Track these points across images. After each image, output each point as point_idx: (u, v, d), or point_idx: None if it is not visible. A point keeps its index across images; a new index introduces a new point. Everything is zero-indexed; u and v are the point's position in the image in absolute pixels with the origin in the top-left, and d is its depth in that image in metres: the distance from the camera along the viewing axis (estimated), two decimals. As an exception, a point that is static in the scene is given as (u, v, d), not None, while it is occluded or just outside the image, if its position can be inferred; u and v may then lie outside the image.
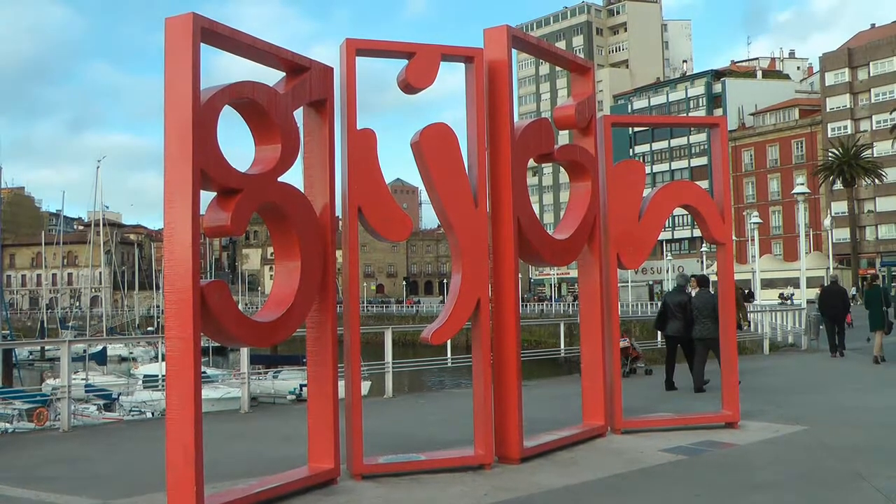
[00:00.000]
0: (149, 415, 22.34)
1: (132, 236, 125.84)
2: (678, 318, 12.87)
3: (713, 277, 13.99)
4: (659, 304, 15.26)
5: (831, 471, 6.98)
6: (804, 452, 7.78)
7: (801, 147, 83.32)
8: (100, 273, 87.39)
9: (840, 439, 8.35)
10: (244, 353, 12.22)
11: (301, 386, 23.83)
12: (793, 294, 48.92)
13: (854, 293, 46.71)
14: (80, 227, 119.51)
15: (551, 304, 72.04)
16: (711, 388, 11.87)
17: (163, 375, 12.03)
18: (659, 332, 15.04)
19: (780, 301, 43.14)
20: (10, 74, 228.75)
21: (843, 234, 70.73)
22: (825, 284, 22.45)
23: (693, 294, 13.24)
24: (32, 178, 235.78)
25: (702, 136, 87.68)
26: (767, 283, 49.00)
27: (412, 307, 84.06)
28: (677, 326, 12.93)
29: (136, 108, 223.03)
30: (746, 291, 29.91)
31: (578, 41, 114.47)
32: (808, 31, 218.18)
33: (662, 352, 14.94)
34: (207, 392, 19.11)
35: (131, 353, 44.97)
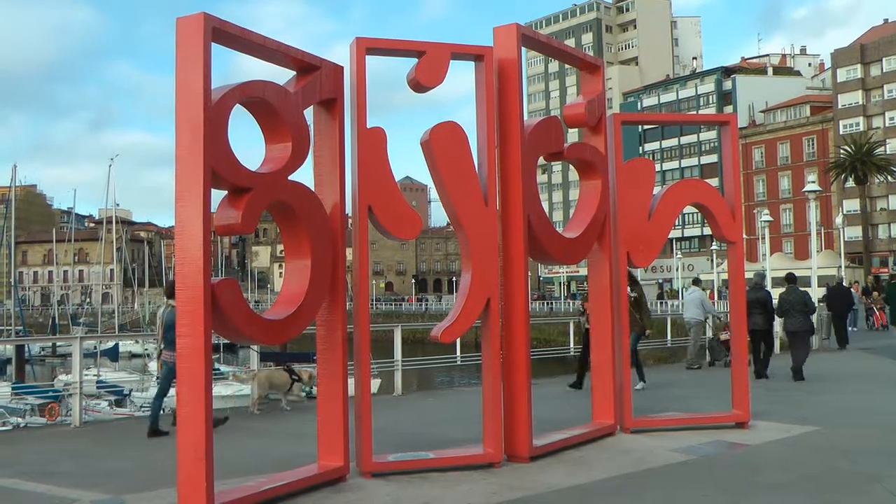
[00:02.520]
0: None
1: (142, 234, 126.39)
2: (759, 314, 13.88)
3: (723, 276, 14.27)
4: (666, 302, 15.79)
5: (843, 472, 6.95)
6: (815, 453, 7.75)
7: (813, 144, 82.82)
8: (111, 270, 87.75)
9: (852, 440, 8.32)
10: (254, 350, 12.25)
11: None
12: None
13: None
14: (91, 225, 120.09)
15: (560, 303, 71.77)
16: (721, 390, 11.82)
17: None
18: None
19: None
20: (32, 75, 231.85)
21: (855, 232, 70.23)
22: (832, 285, 24.02)
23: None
24: (51, 176, 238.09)
25: (712, 134, 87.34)
26: (778, 282, 48.90)
27: (421, 305, 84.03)
28: (758, 321, 13.85)
29: (154, 107, 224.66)
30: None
31: (588, 38, 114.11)
32: (824, 27, 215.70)
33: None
34: (218, 389, 19.16)
35: (146, 349, 45.12)
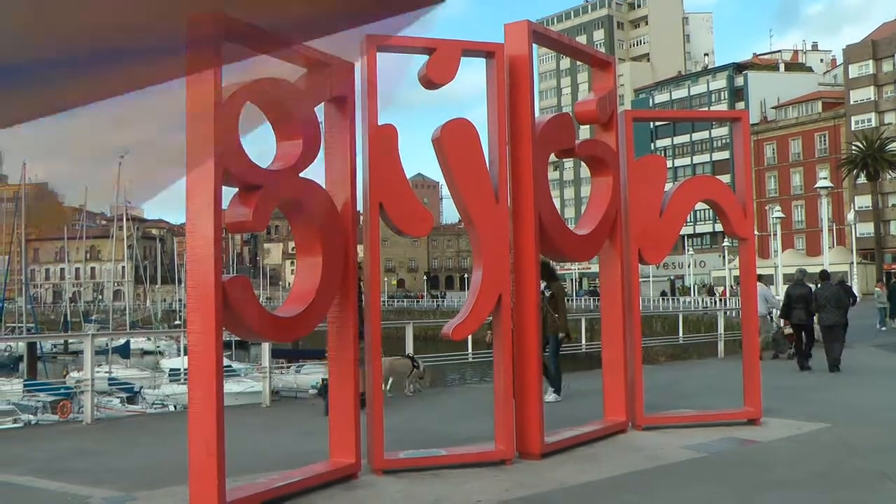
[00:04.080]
0: (171, 408, 22.52)
1: (154, 231, 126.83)
2: (801, 308, 14.81)
3: (735, 272, 14.39)
4: (678, 298, 15.94)
5: (854, 470, 6.92)
6: (826, 450, 7.72)
7: (825, 140, 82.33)
8: (122, 267, 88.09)
9: (863, 437, 8.27)
10: (265, 347, 12.29)
11: (323, 380, 23.87)
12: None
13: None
14: (103, 222, 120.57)
15: (572, 300, 71.61)
16: (732, 386, 11.79)
17: (185, 369, 12.14)
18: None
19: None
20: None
21: (866, 228, 69.84)
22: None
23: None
24: (63, 174, 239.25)
25: (724, 130, 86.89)
26: (789, 279, 48.87)
27: (433, 302, 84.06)
28: (801, 315, 14.86)
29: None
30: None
31: (599, 35, 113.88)
32: (838, 23, 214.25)
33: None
34: (230, 386, 19.24)
35: (158, 346, 45.32)
